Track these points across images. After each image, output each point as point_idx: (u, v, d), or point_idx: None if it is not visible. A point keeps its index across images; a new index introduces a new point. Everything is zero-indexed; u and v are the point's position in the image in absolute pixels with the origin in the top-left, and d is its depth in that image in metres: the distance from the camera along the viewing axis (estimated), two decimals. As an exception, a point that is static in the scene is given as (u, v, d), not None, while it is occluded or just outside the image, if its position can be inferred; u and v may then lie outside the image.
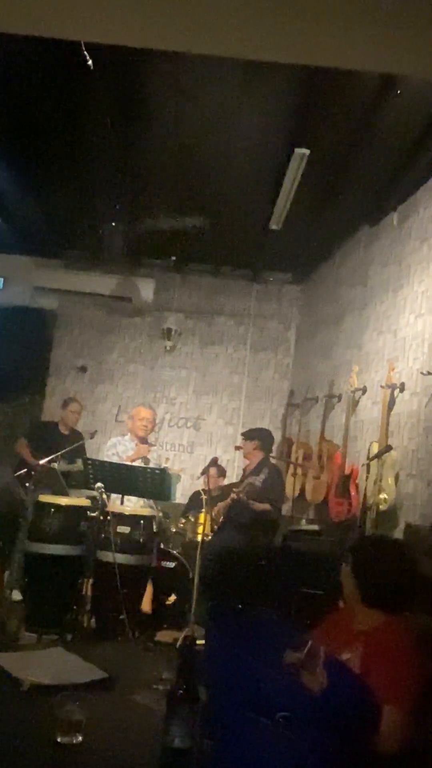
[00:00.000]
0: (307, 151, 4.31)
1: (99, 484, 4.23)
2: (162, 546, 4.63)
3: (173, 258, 7.08)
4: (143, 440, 5.04)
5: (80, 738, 1.59)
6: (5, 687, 1.87)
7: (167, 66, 3.73)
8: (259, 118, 4.21)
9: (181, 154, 4.70)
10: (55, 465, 4.88)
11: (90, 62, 3.41)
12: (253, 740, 1.54)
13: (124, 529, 4.24)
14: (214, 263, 7.31)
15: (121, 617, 3.92)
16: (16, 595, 4.46)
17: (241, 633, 1.77)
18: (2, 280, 6.68)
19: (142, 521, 4.35)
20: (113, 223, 5.92)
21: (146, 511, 4.55)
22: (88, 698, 1.68)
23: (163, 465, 5.07)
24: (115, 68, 3.68)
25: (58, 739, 1.58)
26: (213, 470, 5.75)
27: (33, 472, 4.83)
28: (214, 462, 5.74)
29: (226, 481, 6.09)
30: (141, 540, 4.28)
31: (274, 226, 5.53)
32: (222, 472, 6.15)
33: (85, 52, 3.35)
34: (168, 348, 7.38)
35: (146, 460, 4.95)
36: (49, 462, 4.80)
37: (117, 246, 6.33)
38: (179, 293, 7.48)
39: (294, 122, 4.17)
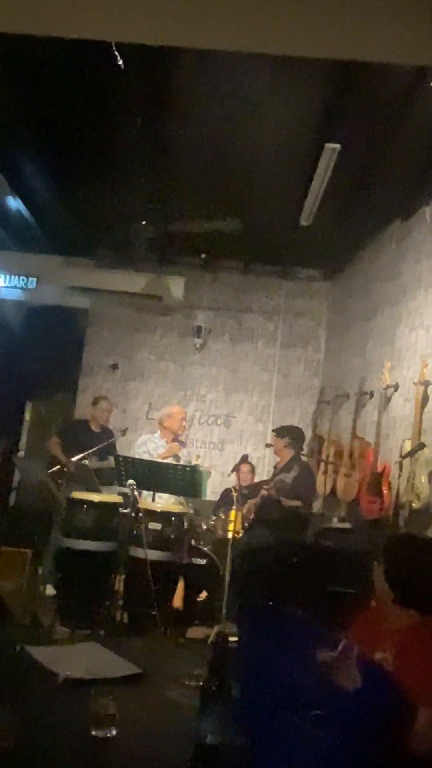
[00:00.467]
0: (337, 146, 4.27)
1: (130, 481, 4.27)
2: (193, 543, 4.65)
3: (203, 255, 7.09)
4: (174, 438, 5.07)
5: (114, 731, 1.60)
6: (41, 680, 1.90)
7: (196, 64, 3.73)
8: (289, 114, 4.18)
9: (211, 151, 4.71)
10: (87, 462, 4.94)
11: (120, 62, 3.45)
12: (285, 738, 1.53)
13: (156, 526, 4.27)
14: (244, 260, 7.29)
15: (152, 613, 3.96)
16: (50, 590, 4.53)
17: (273, 630, 1.77)
18: (35, 279, 6.78)
19: (173, 518, 4.38)
20: (144, 222, 5.95)
21: (177, 508, 4.57)
22: (122, 693, 1.70)
23: (194, 462, 5.09)
24: (145, 67, 3.70)
25: (93, 732, 1.59)
26: (244, 467, 5.75)
27: (65, 469, 4.89)
28: (245, 459, 5.75)
29: (256, 479, 6.08)
30: (172, 537, 4.32)
31: (304, 222, 5.49)
32: (252, 470, 6.14)
33: (116, 52, 3.38)
34: (198, 345, 7.40)
35: (177, 457, 4.98)
36: (81, 459, 4.86)
37: (147, 244, 6.36)
38: (209, 291, 7.49)
39: (324, 117, 4.14)
